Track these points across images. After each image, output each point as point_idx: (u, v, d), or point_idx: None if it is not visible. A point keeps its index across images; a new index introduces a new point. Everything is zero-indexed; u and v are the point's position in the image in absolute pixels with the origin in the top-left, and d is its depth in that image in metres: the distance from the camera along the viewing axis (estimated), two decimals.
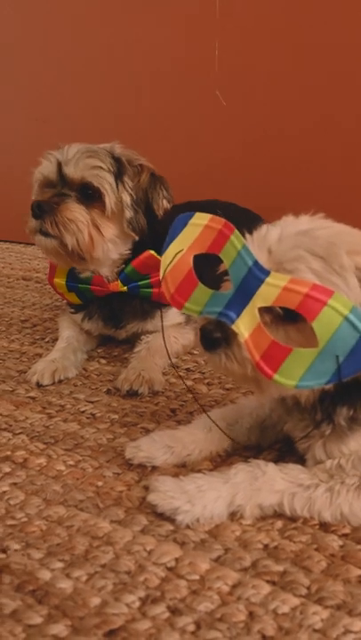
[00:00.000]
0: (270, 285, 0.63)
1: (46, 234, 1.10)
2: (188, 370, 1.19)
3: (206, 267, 0.74)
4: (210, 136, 1.88)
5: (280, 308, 0.65)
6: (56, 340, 1.29)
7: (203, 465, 0.84)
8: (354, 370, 0.61)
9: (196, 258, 0.73)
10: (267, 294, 0.63)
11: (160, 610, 0.61)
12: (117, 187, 1.11)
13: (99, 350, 1.30)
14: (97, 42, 2.04)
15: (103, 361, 1.25)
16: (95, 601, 0.62)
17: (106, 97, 2.07)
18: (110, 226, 1.13)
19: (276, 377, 0.63)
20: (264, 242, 0.67)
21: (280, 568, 0.66)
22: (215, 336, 0.66)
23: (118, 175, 1.12)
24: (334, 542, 0.69)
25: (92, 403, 1.06)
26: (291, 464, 0.76)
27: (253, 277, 0.64)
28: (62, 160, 1.11)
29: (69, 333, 1.26)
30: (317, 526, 0.72)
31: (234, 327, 0.65)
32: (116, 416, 1.01)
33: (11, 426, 0.99)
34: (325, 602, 0.61)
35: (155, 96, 1.97)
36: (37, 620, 0.60)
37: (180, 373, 1.17)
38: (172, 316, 1.23)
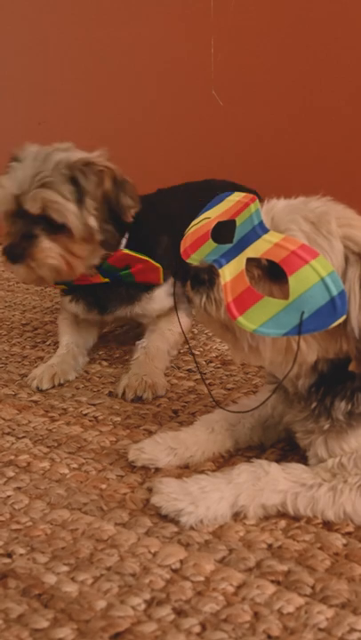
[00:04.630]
0: (265, 240, 0.67)
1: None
2: (189, 370, 1.19)
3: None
4: (207, 136, 1.88)
5: (267, 265, 0.69)
6: (57, 342, 1.29)
7: (206, 466, 0.85)
8: (313, 328, 0.64)
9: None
10: (258, 247, 0.68)
11: (165, 612, 0.61)
12: (82, 211, 1.07)
13: (100, 352, 1.31)
14: (94, 44, 2.05)
15: (105, 363, 1.26)
16: (101, 604, 0.63)
17: (103, 99, 2.08)
18: (84, 245, 1.11)
19: (240, 319, 0.66)
20: (270, 210, 0.72)
21: (284, 568, 0.66)
22: (202, 277, 0.70)
23: (80, 198, 1.07)
24: (338, 541, 0.70)
25: (94, 405, 1.06)
26: (293, 463, 0.76)
27: (254, 234, 0.69)
28: (18, 194, 1.07)
29: (69, 339, 1.26)
30: (321, 525, 0.72)
31: (220, 271, 0.69)
32: (119, 418, 1.01)
33: (14, 430, 0.99)
34: (330, 601, 0.61)
35: (152, 97, 1.97)
36: (43, 624, 0.61)
37: (181, 374, 1.18)
38: (160, 298, 1.23)
